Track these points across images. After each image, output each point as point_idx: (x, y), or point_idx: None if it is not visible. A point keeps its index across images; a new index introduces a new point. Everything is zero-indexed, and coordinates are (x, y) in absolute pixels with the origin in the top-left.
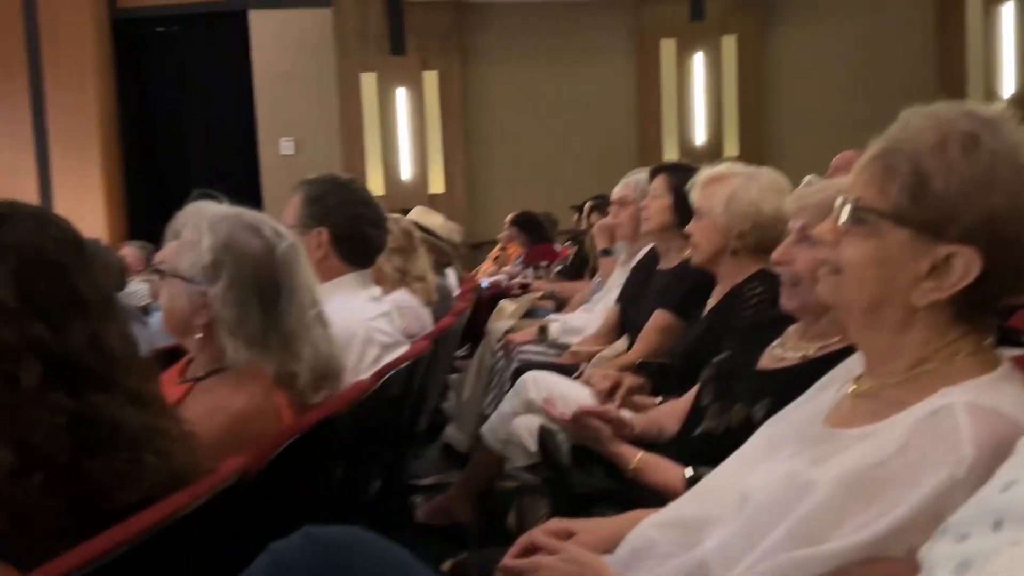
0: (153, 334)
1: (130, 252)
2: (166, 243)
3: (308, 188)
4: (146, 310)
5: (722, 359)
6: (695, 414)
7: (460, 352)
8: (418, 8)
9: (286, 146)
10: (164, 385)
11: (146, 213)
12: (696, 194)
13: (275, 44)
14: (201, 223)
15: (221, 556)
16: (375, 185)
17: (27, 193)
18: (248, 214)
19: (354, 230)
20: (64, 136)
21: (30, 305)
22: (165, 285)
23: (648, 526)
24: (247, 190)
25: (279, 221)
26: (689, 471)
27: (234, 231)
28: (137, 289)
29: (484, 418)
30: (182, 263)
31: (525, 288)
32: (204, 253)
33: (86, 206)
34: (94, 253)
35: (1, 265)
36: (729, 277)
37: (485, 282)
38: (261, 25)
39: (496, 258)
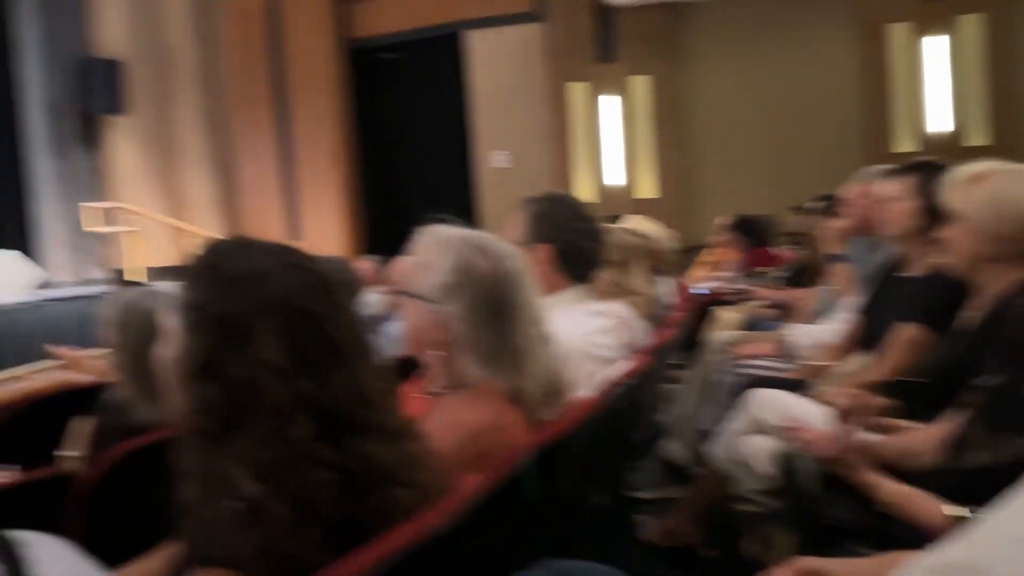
0: (386, 343)
1: (365, 265)
2: (403, 264)
3: (531, 206)
4: (378, 320)
5: (992, 383)
6: (959, 444)
7: (675, 361)
8: (628, 14)
9: (502, 159)
10: (404, 398)
11: (378, 227)
12: (952, 194)
13: (490, 62)
14: (437, 246)
15: None
16: (586, 192)
17: (275, 213)
18: (479, 235)
19: (574, 246)
20: (308, 158)
21: (297, 361)
22: (406, 305)
23: (914, 571)
24: (467, 204)
25: (499, 235)
26: (956, 509)
27: (467, 252)
28: (371, 300)
29: (702, 433)
30: (421, 284)
31: (742, 295)
32: (441, 274)
33: (327, 222)
34: (336, 274)
35: (268, 324)
36: (991, 286)
37: (698, 289)
38: (477, 45)
39: (709, 264)
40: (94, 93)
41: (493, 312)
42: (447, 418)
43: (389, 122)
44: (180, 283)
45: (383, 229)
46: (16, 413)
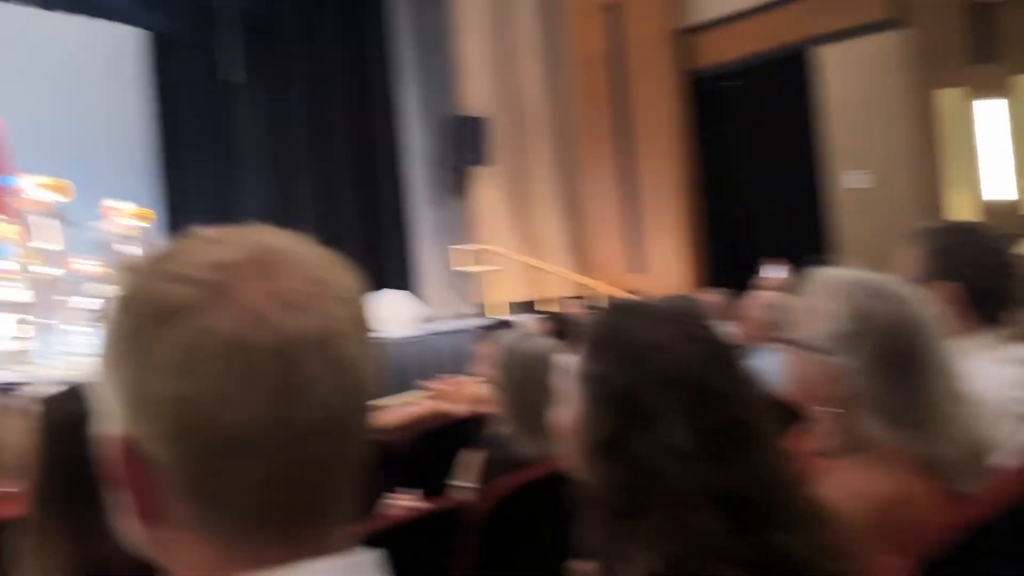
0: None
1: (712, 299)
2: (758, 298)
3: (930, 238)
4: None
5: None
6: None
7: None
8: (1011, 8)
9: (860, 179)
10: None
11: (722, 259)
12: None
13: (844, 76)
14: (828, 290)
15: None
16: (964, 212)
17: (622, 249)
18: (876, 278)
19: (986, 283)
20: (652, 194)
21: (703, 444)
22: (792, 355)
23: None
24: (822, 230)
25: (861, 263)
26: None
27: (865, 298)
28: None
29: None
30: (811, 332)
31: None
32: (835, 323)
33: (671, 257)
34: (686, 312)
35: (672, 403)
36: None
37: None
38: (829, 60)
39: None
40: (463, 148)
41: (897, 365)
42: (845, 487)
43: (732, 150)
44: (580, 352)
45: (728, 261)
46: (410, 439)
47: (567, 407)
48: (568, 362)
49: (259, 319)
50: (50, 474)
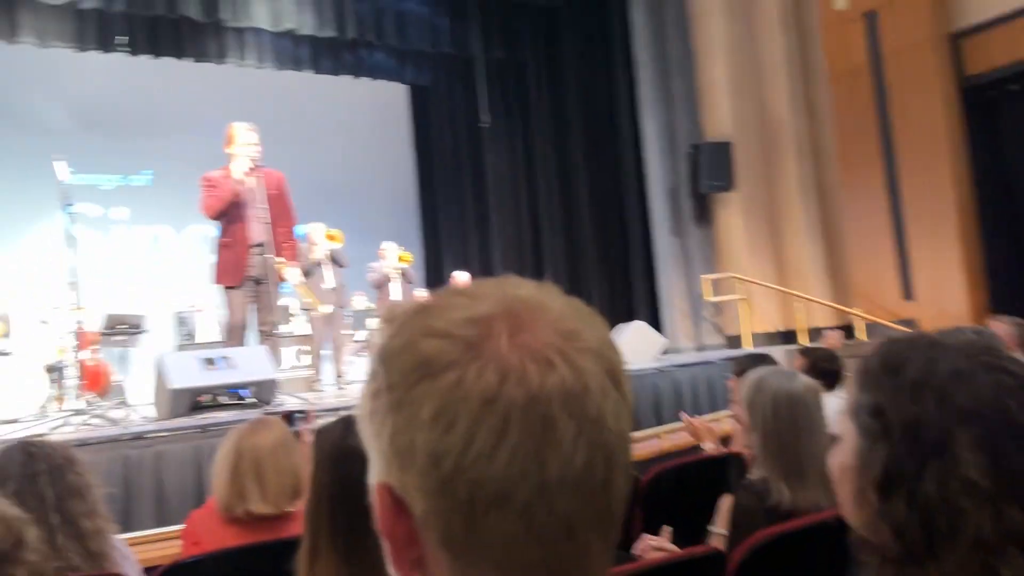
0: None
1: (1000, 328)
2: None
3: None
4: None
5: None
6: None
7: None
8: None
9: None
10: None
11: (1007, 283)
12: None
13: None
14: None
15: None
16: None
17: (887, 275)
18: None
19: None
20: (920, 214)
21: (1003, 483)
22: None
23: None
24: None
25: None
26: None
27: None
28: None
29: None
30: None
31: None
32: None
33: (944, 282)
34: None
35: (965, 436)
36: None
37: None
38: None
39: None
40: (705, 174)
41: None
42: None
43: (1014, 162)
44: (853, 385)
45: (1016, 287)
46: (659, 475)
47: (840, 447)
48: (838, 401)
49: (511, 374)
50: (321, 500)
